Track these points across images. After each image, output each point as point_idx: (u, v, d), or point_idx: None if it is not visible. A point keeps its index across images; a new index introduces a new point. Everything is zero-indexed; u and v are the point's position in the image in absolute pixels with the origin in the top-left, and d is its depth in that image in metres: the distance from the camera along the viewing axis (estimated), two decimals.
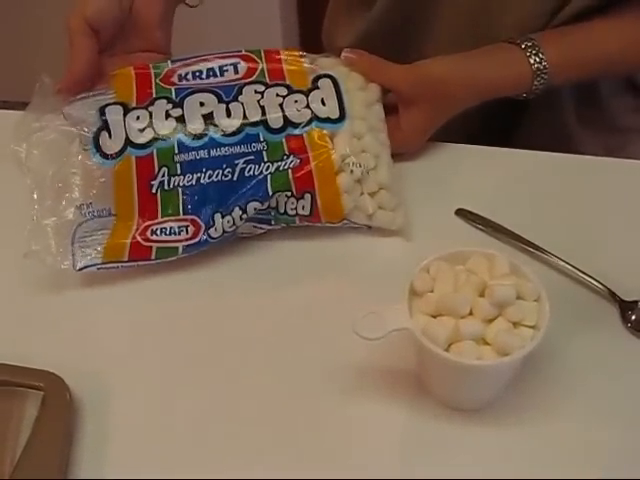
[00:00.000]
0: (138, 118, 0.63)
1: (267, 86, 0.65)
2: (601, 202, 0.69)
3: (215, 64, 0.67)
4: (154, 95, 0.65)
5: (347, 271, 0.64)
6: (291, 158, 0.62)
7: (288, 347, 0.58)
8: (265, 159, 0.62)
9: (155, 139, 0.63)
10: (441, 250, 0.53)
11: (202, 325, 0.60)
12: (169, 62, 0.68)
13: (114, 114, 0.64)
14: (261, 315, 0.60)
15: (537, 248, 0.62)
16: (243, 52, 0.68)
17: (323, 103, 0.64)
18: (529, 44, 0.70)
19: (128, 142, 0.63)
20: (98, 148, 0.63)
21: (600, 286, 0.59)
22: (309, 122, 0.63)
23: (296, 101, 0.64)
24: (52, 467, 0.49)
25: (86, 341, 0.60)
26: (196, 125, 0.63)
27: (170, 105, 0.64)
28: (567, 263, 0.61)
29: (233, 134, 0.62)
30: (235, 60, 0.67)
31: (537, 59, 0.69)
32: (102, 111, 0.64)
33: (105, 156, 0.63)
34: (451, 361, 0.48)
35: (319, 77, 0.66)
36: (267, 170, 0.62)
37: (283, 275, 0.63)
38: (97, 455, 0.52)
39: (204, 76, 0.67)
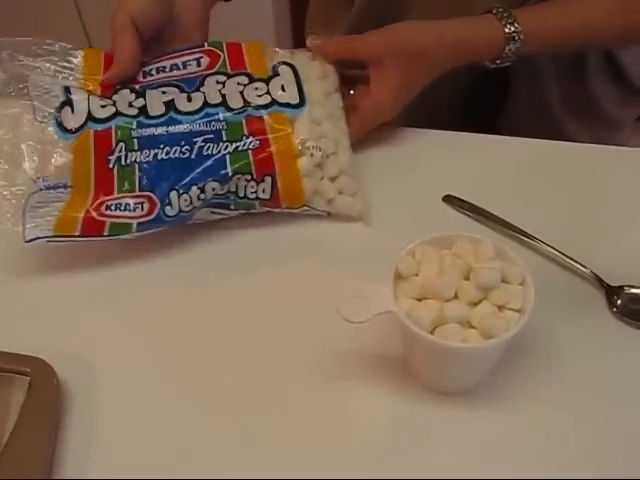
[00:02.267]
0: (102, 101, 0.64)
1: (229, 76, 0.66)
2: (588, 189, 0.69)
3: (179, 60, 0.68)
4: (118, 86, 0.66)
5: (330, 256, 0.63)
6: (250, 139, 0.62)
7: (273, 332, 0.58)
8: (224, 138, 0.62)
9: (115, 115, 0.63)
10: (428, 235, 0.53)
11: (185, 312, 0.60)
12: None
13: (79, 95, 0.64)
14: (245, 300, 0.60)
15: (524, 234, 0.63)
16: (206, 47, 0.68)
17: (283, 89, 0.65)
18: (501, 9, 0.70)
19: (89, 117, 0.63)
20: (59, 122, 0.62)
21: (587, 271, 0.60)
22: (269, 105, 0.63)
23: (256, 88, 0.65)
24: (39, 452, 0.49)
25: (72, 326, 0.59)
26: (157, 111, 0.63)
27: (133, 96, 0.65)
28: (554, 249, 0.61)
29: (193, 113, 0.63)
30: (198, 55, 0.68)
31: (509, 22, 0.69)
32: (67, 89, 0.64)
33: (65, 130, 0.62)
34: (436, 344, 0.48)
35: (279, 64, 0.67)
36: (226, 150, 0.61)
37: (263, 261, 0.63)
38: (84, 439, 0.52)
39: (167, 70, 0.67)
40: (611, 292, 0.59)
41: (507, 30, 0.69)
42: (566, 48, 0.76)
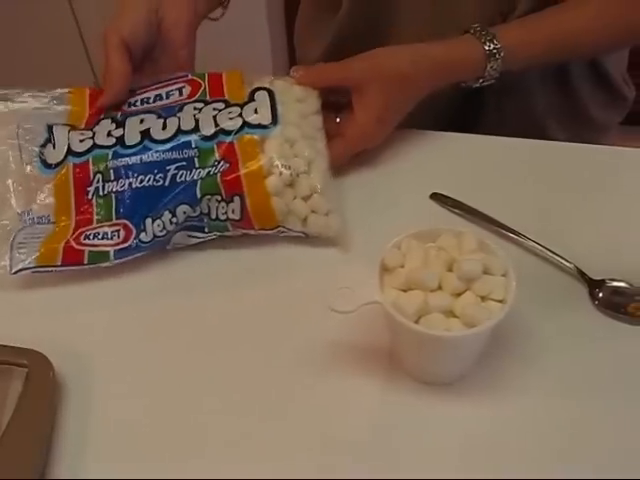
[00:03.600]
0: (82, 135, 0.66)
1: (206, 103, 0.67)
2: (570, 186, 0.71)
3: (162, 90, 0.69)
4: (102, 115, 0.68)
5: (321, 251, 0.65)
6: (221, 163, 0.63)
7: (263, 329, 0.59)
8: (197, 165, 0.63)
9: (92, 147, 0.65)
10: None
11: (180, 313, 0.61)
12: None
13: (61, 131, 0.67)
14: (237, 304, 0.62)
15: (509, 230, 0.64)
16: (189, 77, 0.70)
17: (256, 112, 0.65)
18: (479, 28, 0.70)
19: (69, 151, 0.65)
20: (43, 159, 0.65)
21: (570, 266, 0.61)
22: (240, 129, 0.64)
23: (230, 112, 0.65)
24: (35, 443, 0.51)
25: (70, 321, 0.61)
26: (133, 140, 0.65)
27: (113, 125, 0.66)
28: (538, 244, 0.63)
29: (166, 141, 0.64)
30: (181, 85, 0.69)
31: (488, 39, 0.69)
32: (50, 127, 0.67)
33: (48, 166, 0.65)
34: (420, 333, 0.49)
35: (256, 90, 0.68)
36: (198, 175, 0.62)
37: (254, 271, 0.65)
38: (80, 432, 0.53)
39: (151, 101, 0.69)
40: (593, 285, 0.60)
41: (487, 47, 0.69)
42: (550, 61, 0.76)
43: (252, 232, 0.65)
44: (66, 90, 0.70)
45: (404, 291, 0.52)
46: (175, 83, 0.70)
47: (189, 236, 0.65)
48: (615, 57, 0.88)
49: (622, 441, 0.51)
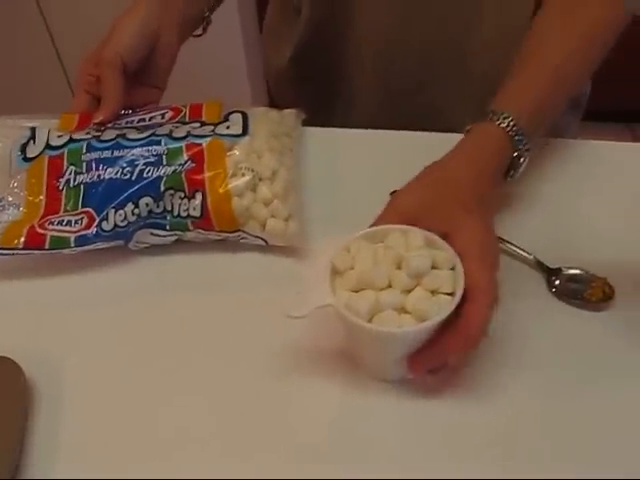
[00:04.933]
0: (61, 133, 0.69)
1: (184, 123, 0.70)
2: (527, 178, 0.72)
3: (147, 115, 0.73)
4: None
5: (281, 258, 0.66)
6: (188, 162, 0.65)
7: (224, 334, 0.61)
8: (164, 162, 0.65)
9: (68, 142, 0.68)
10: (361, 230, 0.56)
11: (149, 320, 0.63)
12: None
13: (42, 131, 0.70)
14: (200, 308, 0.63)
15: None
16: (173, 105, 0.74)
17: (227, 128, 0.68)
18: (487, 115, 0.64)
19: (47, 146, 0.68)
20: (24, 154, 0.68)
21: (528, 256, 0.64)
22: (210, 135, 0.67)
23: (204, 128, 0.68)
24: (7, 448, 0.51)
25: (41, 328, 0.63)
26: (107, 137, 0.68)
27: (92, 133, 0.69)
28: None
29: (138, 140, 0.67)
30: (164, 110, 0.73)
31: (496, 118, 0.63)
32: (34, 129, 0.70)
33: (26, 159, 0.68)
34: (373, 331, 0.50)
35: (231, 113, 0.71)
36: (164, 172, 0.65)
37: (211, 280, 0.66)
38: (51, 436, 0.54)
39: (135, 123, 0.72)
40: (551, 274, 0.62)
41: (498, 123, 0.62)
42: (563, 97, 0.69)
43: (213, 235, 0.66)
44: (57, 117, 0.73)
45: (356, 292, 0.53)
46: (159, 109, 0.73)
47: (151, 234, 0.66)
48: None
49: (583, 423, 0.53)
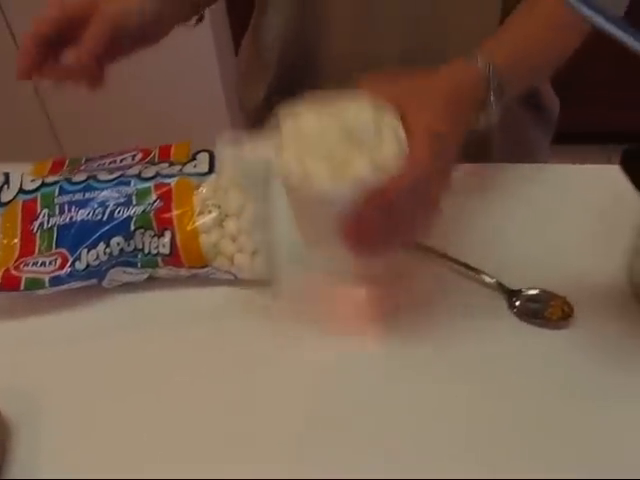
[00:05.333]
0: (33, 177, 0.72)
1: (154, 164, 0.72)
2: (486, 201, 0.75)
3: (118, 157, 0.75)
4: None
5: (250, 292, 0.68)
6: (157, 202, 0.68)
7: (199, 369, 0.63)
8: (134, 203, 0.68)
9: (41, 186, 0.71)
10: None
11: (124, 354, 0.65)
12: (83, 159, 0.76)
13: (15, 176, 0.73)
14: (177, 343, 0.65)
15: (433, 251, 0.68)
16: (143, 147, 0.76)
17: (194, 167, 0.71)
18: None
19: (20, 190, 0.71)
20: None
21: (489, 280, 0.66)
22: (178, 174, 0.70)
23: (172, 168, 0.71)
24: None
25: (16, 364, 0.64)
26: (79, 178, 0.70)
27: (65, 175, 0.72)
28: (458, 262, 0.67)
29: (108, 181, 0.69)
30: (134, 152, 0.76)
31: (475, 60, 0.64)
32: (7, 174, 0.73)
33: (0, 204, 0.70)
34: (309, 191, 0.51)
35: (199, 152, 0.73)
36: (134, 212, 0.67)
37: (182, 315, 0.68)
38: (29, 474, 0.55)
39: (106, 165, 0.74)
40: (511, 295, 0.65)
41: (475, 63, 0.63)
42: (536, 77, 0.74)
43: (183, 271, 0.68)
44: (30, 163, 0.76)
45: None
46: (129, 152, 0.76)
47: (124, 272, 0.68)
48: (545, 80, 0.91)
49: (548, 441, 0.55)
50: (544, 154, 0.99)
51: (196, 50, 1.79)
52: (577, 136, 1.82)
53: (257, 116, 0.99)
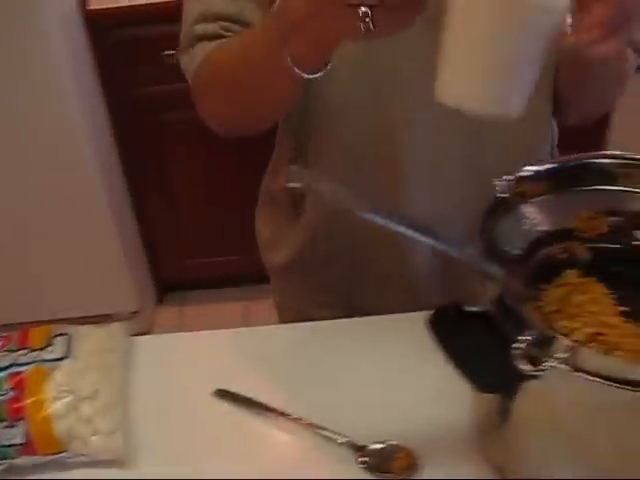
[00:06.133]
0: None
1: (12, 351, 0.73)
2: (340, 364, 0.79)
3: None
4: None
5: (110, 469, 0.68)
6: (9, 392, 0.69)
7: None
8: None
9: None
10: None
11: None
12: None
13: None
14: None
15: (284, 415, 0.72)
16: (5, 334, 0.77)
17: (51, 352, 0.73)
18: None
19: None
20: None
21: (339, 439, 0.69)
22: (33, 362, 0.71)
23: (29, 355, 0.72)
24: None
25: None
26: None
27: None
28: (312, 425, 0.70)
29: None
30: None
31: None
32: None
33: None
34: None
35: (56, 336, 0.75)
36: None
37: None
38: None
39: None
40: (359, 450, 0.68)
41: None
42: None
43: (39, 458, 0.68)
44: None
45: None
46: None
47: None
48: None
49: None
50: None
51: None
52: None
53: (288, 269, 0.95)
